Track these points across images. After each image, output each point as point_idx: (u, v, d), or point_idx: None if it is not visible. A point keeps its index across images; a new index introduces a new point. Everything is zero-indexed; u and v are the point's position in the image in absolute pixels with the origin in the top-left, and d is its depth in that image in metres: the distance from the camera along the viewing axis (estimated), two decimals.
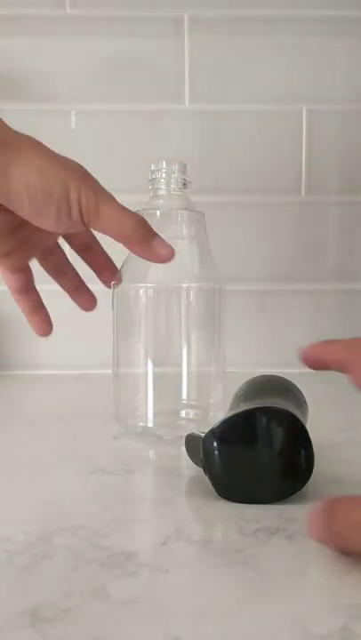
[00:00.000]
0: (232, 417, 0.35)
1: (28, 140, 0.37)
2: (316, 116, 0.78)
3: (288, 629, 0.24)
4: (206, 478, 0.35)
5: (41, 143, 0.38)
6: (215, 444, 0.35)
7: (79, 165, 0.39)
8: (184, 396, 0.50)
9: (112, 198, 0.39)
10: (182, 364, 0.50)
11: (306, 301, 0.80)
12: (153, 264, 0.41)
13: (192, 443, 0.38)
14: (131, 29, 0.77)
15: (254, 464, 0.34)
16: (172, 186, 0.49)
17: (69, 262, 0.48)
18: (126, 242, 0.39)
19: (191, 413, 0.50)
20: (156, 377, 0.49)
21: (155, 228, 0.40)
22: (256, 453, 0.34)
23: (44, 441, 0.48)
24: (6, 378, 0.77)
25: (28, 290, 0.46)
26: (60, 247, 0.47)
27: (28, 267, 0.45)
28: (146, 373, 0.49)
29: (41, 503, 0.35)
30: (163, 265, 0.41)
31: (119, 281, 0.49)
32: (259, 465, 0.34)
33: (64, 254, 0.47)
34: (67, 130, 0.78)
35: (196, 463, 0.38)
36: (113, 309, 0.50)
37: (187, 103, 0.78)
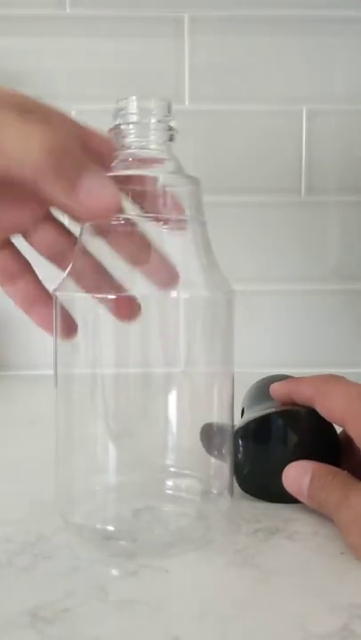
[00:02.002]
0: (265, 415, 0.35)
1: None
2: (316, 115, 0.78)
3: (288, 629, 0.24)
4: None
5: None
6: (246, 440, 0.35)
7: None
8: (170, 460, 0.34)
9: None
10: (167, 414, 0.33)
11: (306, 301, 0.80)
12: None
13: (211, 434, 0.38)
14: (131, 29, 0.77)
15: (282, 462, 0.34)
16: (151, 137, 0.31)
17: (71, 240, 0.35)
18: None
19: (183, 487, 0.34)
20: (124, 435, 0.33)
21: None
22: (286, 452, 0.34)
23: (44, 441, 0.48)
24: (6, 378, 0.77)
25: (14, 278, 0.34)
26: (54, 220, 0.35)
27: (12, 247, 0.35)
28: (107, 431, 0.33)
29: (41, 503, 0.35)
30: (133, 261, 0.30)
31: (67, 289, 0.31)
32: (286, 464, 0.34)
33: (63, 230, 0.35)
34: None
35: (211, 454, 0.38)
36: (54, 332, 0.32)
37: (187, 103, 0.78)
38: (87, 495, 0.33)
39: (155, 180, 0.31)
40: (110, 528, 0.31)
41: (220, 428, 0.33)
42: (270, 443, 0.35)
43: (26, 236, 0.34)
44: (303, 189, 0.79)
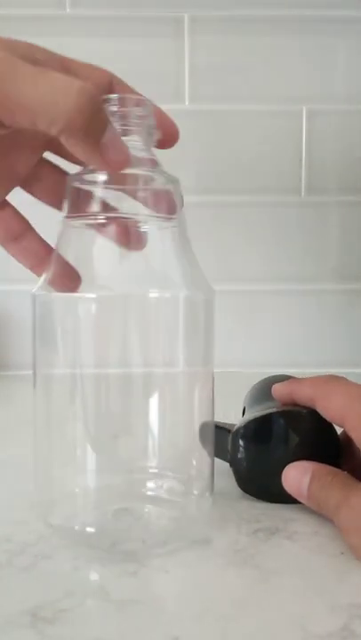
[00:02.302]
0: (266, 415, 0.35)
1: None
2: (316, 115, 0.78)
3: (288, 629, 0.24)
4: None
5: None
6: (246, 440, 0.35)
7: None
8: (151, 461, 0.33)
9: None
10: (148, 415, 0.32)
11: (306, 301, 0.80)
12: (96, 259, 0.30)
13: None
14: (131, 29, 0.77)
15: (282, 463, 0.34)
16: (132, 136, 0.30)
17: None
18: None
19: (164, 488, 0.33)
20: (102, 434, 0.32)
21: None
22: (286, 452, 0.34)
23: (44, 441, 0.48)
24: (6, 378, 0.76)
25: (19, 237, 0.34)
26: (50, 163, 0.34)
27: (11, 207, 0.34)
28: (87, 433, 0.32)
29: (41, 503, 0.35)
30: (114, 260, 0.30)
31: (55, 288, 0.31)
32: (286, 464, 0.34)
33: (61, 171, 0.34)
34: None
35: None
36: (33, 332, 0.32)
37: (187, 103, 0.78)
38: (67, 497, 0.33)
39: (135, 178, 0.31)
40: (90, 530, 0.30)
41: (207, 427, 0.33)
42: (270, 443, 0.35)
43: (26, 185, 0.34)
44: (303, 189, 0.79)
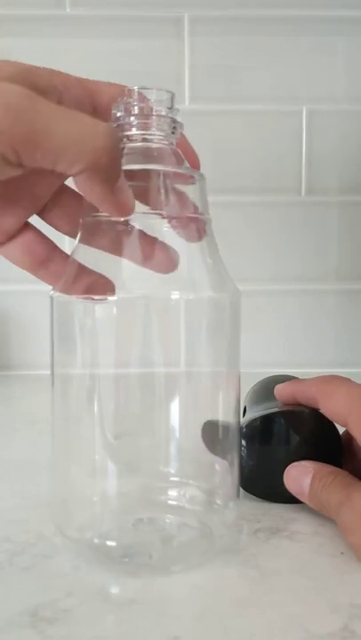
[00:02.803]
0: (268, 415, 0.35)
1: None
2: (316, 115, 0.78)
3: (288, 629, 0.24)
4: None
5: None
6: (247, 440, 0.35)
7: None
8: (171, 468, 0.32)
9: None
10: (170, 421, 0.31)
11: (306, 301, 0.80)
12: (119, 261, 0.29)
13: (214, 432, 0.38)
14: (131, 29, 0.77)
15: (284, 462, 0.34)
16: (155, 130, 0.30)
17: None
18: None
19: (186, 497, 0.32)
20: (122, 440, 0.31)
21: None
22: (287, 452, 0.34)
23: (44, 441, 0.48)
24: (6, 378, 0.77)
25: (46, 261, 0.31)
26: (70, 189, 0.32)
27: (34, 230, 0.32)
28: (104, 436, 0.30)
29: (41, 503, 0.35)
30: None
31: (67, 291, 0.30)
32: (288, 464, 0.34)
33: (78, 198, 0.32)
34: None
35: (213, 452, 0.37)
36: (51, 334, 0.31)
37: (187, 103, 0.78)
38: (84, 506, 0.31)
39: (158, 174, 0.29)
40: (110, 543, 0.29)
41: (227, 430, 0.31)
42: (272, 442, 0.35)
43: (44, 212, 0.32)
44: (303, 189, 0.79)
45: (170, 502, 0.32)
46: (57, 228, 0.33)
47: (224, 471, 0.31)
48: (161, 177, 0.29)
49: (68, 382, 0.32)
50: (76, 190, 0.30)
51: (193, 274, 0.31)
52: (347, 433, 0.34)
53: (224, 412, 0.31)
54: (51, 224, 0.33)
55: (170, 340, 0.31)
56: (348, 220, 0.79)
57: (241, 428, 0.36)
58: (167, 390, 0.32)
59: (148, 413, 0.32)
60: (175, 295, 0.29)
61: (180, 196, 0.30)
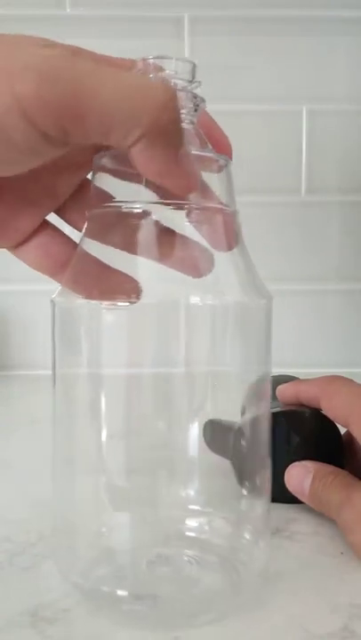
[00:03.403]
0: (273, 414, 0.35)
1: None
2: (316, 115, 0.78)
3: (288, 629, 0.24)
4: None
5: None
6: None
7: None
8: (189, 492, 0.28)
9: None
10: (188, 441, 0.27)
11: (306, 301, 0.80)
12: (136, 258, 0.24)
13: (216, 431, 0.37)
14: (131, 29, 0.77)
15: (285, 462, 0.34)
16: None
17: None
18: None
19: (207, 528, 0.28)
20: (138, 466, 0.27)
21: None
22: (288, 452, 0.34)
23: (44, 441, 0.48)
24: (6, 378, 0.76)
25: (67, 264, 0.26)
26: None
27: (54, 229, 0.27)
28: (114, 458, 0.27)
29: (41, 503, 0.35)
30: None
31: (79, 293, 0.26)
32: (288, 464, 0.34)
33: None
34: None
35: (214, 451, 0.37)
36: (53, 345, 0.28)
37: None
38: (90, 541, 0.27)
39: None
40: (121, 593, 0.24)
41: (255, 452, 0.27)
42: (273, 442, 0.35)
43: (62, 209, 0.28)
44: (303, 189, 0.79)
45: (188, 534, 0.28)
46: (75, 226, 0.28)
47: (252, 498, 0.26)
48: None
49: (72, 403, 0.28)
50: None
51: (221, 276, 0.26)
52: (348, 433, 0.34)
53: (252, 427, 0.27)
54: (68, 221, 0.28)
55: (199, 347, 0.28)
56: (349, 219, 0.79)
57: (240, 428, 0.35)
58: (189, 406, 0.28)
59: (168, 428, 0.28)
60: (195, 299, 0.25)
61: (201, 184, 0.25)
